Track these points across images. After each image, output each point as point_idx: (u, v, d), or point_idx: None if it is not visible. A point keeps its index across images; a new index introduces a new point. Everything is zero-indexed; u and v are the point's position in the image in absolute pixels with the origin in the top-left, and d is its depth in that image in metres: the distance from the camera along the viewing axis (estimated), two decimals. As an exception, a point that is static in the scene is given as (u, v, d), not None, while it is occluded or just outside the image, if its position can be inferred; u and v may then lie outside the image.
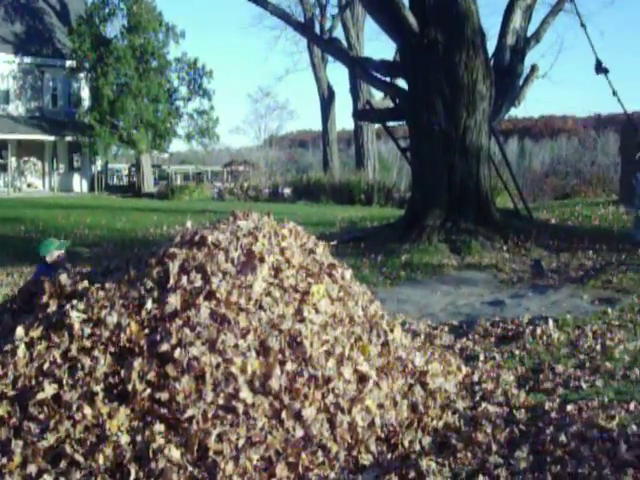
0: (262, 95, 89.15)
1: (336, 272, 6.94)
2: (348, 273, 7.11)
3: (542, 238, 16.37)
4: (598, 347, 8.64)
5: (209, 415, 5.36)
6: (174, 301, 5.90)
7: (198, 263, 6.24)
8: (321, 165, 56.68)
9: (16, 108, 48.90)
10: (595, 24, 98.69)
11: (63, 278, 6.48)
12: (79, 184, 51.23)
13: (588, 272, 13.49)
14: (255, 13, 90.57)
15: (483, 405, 6.67)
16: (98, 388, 5.47)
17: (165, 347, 5.60)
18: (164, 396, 5.41)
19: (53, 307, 6.15)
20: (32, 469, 5.03)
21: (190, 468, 5.14)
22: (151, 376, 5.51)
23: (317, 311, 6.25)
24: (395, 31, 17.71)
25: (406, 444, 5.79)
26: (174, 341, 5.63)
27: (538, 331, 9.32)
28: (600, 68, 15.71)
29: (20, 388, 5.51)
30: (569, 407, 6.63)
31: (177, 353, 5.57)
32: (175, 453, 5.17)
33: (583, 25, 16.35)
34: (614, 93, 15.55)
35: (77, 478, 5.02)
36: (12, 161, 47.70)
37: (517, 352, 8.61)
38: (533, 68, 20.59)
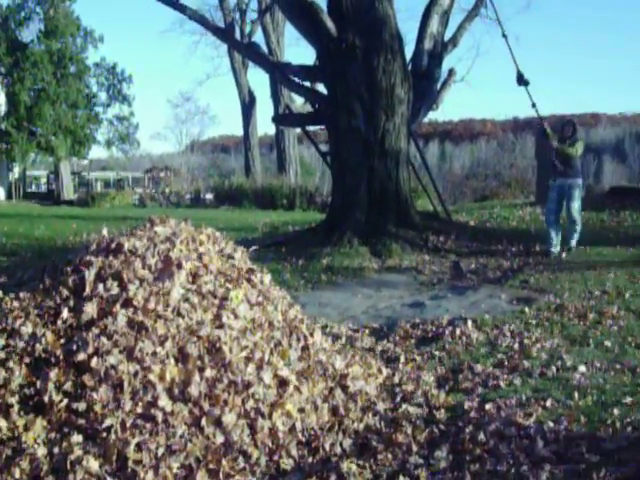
0: (183, 100, 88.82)
1: (255, 277, 6.93)
2: (267, 278, 7.11)
3: (461, 240, 16.61)
4: (516, 346, 8.78)
5: (128, 424, 5.30)
6: (90, 310, 5.82)
7: (114, 270, 6.16)
8: (243, 170, 56.59)
9: None
10: (510, 29, 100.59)
11: (-26, 289, 6.34)
12: (-4, 192, 50.25)
13: (506, 272, 13.72)
14: (175, 18, 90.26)
15: (403, 406, 6.72)
16: (13, 400, 5.36)
17: (82, 356, 5.52)
18: (81, 406, 5.33)
19: (-35, 318, 6.02)
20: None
21: (109, 479, 5.08)
22: (68, 386, 5.42)
23: (236, 316, 6.23)
24: (314, 36, 17.76)
25: (327, 447, 5.80)
26: (91, 350, 5.55)
27: (457, 332, 9.43)
28: (522, 80, 15.98)
29: None
30: (488, 406, 6.72)
31: (94, 362, 5.49)
32: (94, 464, 5.09)
33: (504, 35, 16.59)
34: (533, 105, 15.83)
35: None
36: None
37: (437, 353, 8.70)
38: (451, 72, 20.91)
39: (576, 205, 15.10)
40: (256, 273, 7.00)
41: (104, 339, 5.62)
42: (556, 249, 15.15)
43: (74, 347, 5.59)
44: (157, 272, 6.26)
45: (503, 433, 6.05)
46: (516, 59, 16.28)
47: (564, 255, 14.92)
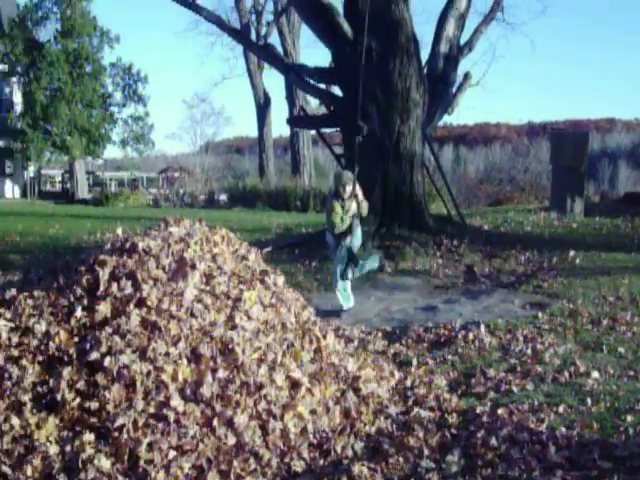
0: (198, 101, 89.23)
1: (268, 278, 6.94)
2: (280, 279, 7.11)
3: (475, 244, 16.56)
4: (529, 351, 8.76)
5: (140, 424, 5.32)
6: (104, 309, 5.84)
7: (129, 270, 6.18)
8: (257, 171, 56.65)
9: (-54, 112, 48.06)
10: (526, 33, 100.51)
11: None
12: (11, 190, 50.44)
13: (519, 277, 13.69)
14: (191, 19, 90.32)
15: (415, 410, 6.71)
16: (26, 398, 5.39)
17: (95, 355, 5.53)
18: (94, 405, 5.35)
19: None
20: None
21: (120, 478, 5.09)
22: (81, 385, 5.44)
23: (249, 318, 6.24)
24: (329, 38, 17.76)
25: (339, 450, 5.80)
26: (104, 349, 5.57)
27: (470, 336, 9.42)
28: None
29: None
30: (500, 411, 6.71)
31: (107, 361, 5.51)
32: (105, 463, 5.11)
33: None
34: None
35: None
36: (-59, 167, 46.85)
37: (449, 357, 8.68)
38: (466, 76, 20.83)
39: None
40: (270, 275, 7.00)
41: (117, 338, 5.64)
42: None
43: (87, 346, 5.61)
44: (171, 272, 6.28)
45: (515, 438, 6.04)
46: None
47: None
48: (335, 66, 18.45)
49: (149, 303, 5.92)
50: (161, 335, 5.75)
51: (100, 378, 5.46)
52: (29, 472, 5.02)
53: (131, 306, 5.89)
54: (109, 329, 5.70)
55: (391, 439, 6.05)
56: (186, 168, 64.70)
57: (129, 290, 6.01)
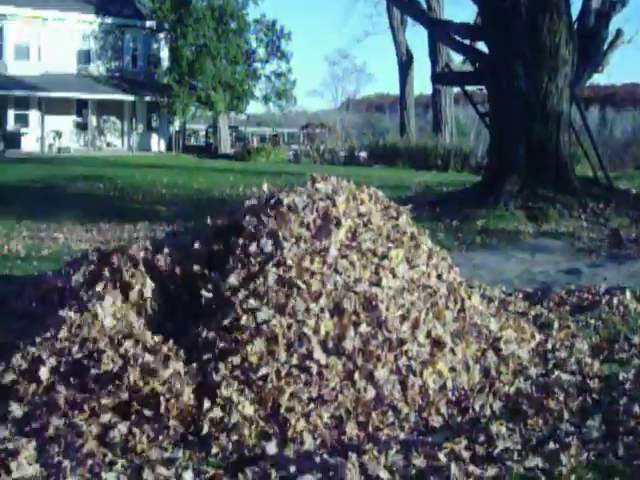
0: (340, 58, 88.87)
1: (417, 238, 6.95)
2: (429, 240, 7.12)
3: (621, 207, 16.08)
4: (676, 319, 8.51)
5: (282, 374, 5.46)
6: (234, 281, 6.02)
7: (269, 229, 6.30)
8: (397, 129, 56.26)
9: (97, 68, 49.61)
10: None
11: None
12: (157, 144, 51.82)
13: (668, 243, 13.24)
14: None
15: (556, 373, 6.62)
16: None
17: (227, 321, 5.73)
18: (236, 360, 5.51)
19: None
20: (105, 419, 5.19)
21: (262, 423, 5.25)
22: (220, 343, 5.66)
23: (394, 275, 6.28)
24: (477, -7, 17.49)
25: (477, 408, 5.81)
26: (239, 311, 5.74)
27: (615, 301, 9.18)
28: None
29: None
30: (644, 378, 6.56)
31: (244, 319, 5.67)
32: (249, 409, 5.28)
33: None
34: None
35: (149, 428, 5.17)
36: (92, 120, 48.50)
37: (592, 322, 8.50)
38: (618, 33, 20.04)
39: None
40: (419, 234, 7.02)
41: (251, 300, 5.78)
42: None
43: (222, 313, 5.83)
44: (315, 229, 6.36)
45: (659, 407, 5.89)
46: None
47: None
48: (482, 22, 18.14)
49: (289, 262, 6.03)
50: (300, 292, 5.86)
51: (239, 335, 5.63)
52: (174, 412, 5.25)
53: (270, 265, 6.02)
54: (244, 292, 5.86)
55: (530, 400, 6.00)
56: (327, 124, 64.87)
57: (269, 249, 6.14)
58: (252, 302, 5.77)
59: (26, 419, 5.30)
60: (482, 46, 18.85)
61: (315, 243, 6.24)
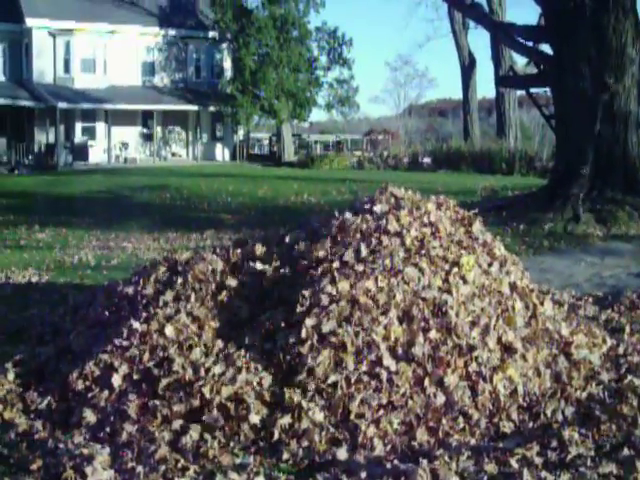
0: (401, 63, 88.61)
1: (489, 244, 6.91)
2: (502, 246, 7.07)
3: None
4: None
5: (352, 380, 5.48)
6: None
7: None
8: (460, 134, 55.94)
9: (161, 79, 50.24)
10: None
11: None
12: (221, 153, 52.26)
13: None
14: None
15: (629, 378, 6.51)
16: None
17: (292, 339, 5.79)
18: (306, 368, 5.57)
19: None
20: (177, 425, 5.27)
21: (332, 429, 5.28)
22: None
23: (465, 282, 6.26)
24: (540, -5, 17.33)
25: (548, 414, 5.77)
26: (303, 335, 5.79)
27: (689, 307, 9.02)
28: None
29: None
30: None
31: (304, 333, 5.72)
32: (319, 415, 5.31)
33: None
34: None
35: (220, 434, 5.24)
36: (157, 131, 49.11)
37: (665, 326, 8.36)
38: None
39: None
40: (491, 240, 6.98)
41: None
42: None
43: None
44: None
45: None
46: None
47: None
48: (545, 23, 17.96)
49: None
50: (365, 307, 5.89)
51: (302, 348, 5.68)
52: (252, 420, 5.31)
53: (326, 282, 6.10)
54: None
55: (603, 406, 5.92)
56: (390, 130, 64.84)
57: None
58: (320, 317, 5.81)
59: (100, 425, 5.41)
60: (546, 48, 18.68)
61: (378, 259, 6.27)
